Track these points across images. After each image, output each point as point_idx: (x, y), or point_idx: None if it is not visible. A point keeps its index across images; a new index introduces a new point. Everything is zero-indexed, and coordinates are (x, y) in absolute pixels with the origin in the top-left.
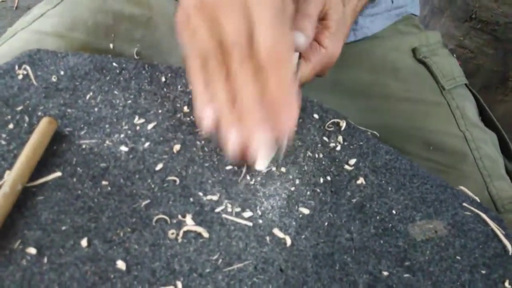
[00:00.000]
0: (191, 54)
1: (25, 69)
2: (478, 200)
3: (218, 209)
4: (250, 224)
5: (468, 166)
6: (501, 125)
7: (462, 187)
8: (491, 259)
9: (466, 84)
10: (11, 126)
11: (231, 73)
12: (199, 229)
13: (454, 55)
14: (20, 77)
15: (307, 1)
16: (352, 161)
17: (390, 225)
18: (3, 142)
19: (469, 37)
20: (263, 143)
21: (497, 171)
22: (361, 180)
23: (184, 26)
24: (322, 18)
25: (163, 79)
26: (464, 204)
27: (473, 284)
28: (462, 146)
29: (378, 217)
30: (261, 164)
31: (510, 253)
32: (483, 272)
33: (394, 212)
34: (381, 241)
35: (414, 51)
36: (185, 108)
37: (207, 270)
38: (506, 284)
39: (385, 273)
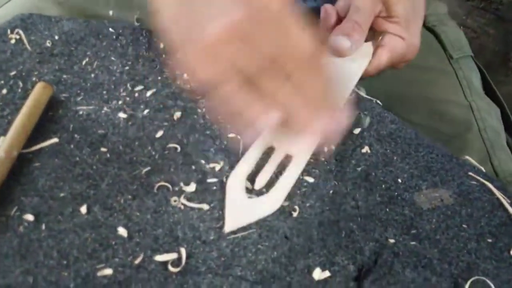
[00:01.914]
0: (226, 79)
1: (17, 33)
2: (484, 170)
3: (220, 178)
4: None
5: (473, 135)
6: None
7: (467, 157)
8: (497, 227)
9: (472, 57)
10: (4, 91)
11: (290, 80)
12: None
13: (461, 29)
14: (13, 41)
15: (354, 8)
16: (357, 130)
17: (396, 193)
18: None
19: (471, 16)
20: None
21: (500, 143)
22: (366, 149)
23: (210, 56)
24: (388, 15)
25: (162, 45)
26: (470, 173)
27: (479, 252)
28: (468, 116)
29: (383, 186)
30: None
31: None
32: (489, 240)
33: (399, 180)
34: (387, 209)
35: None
36: (185, 75)
37: (211, 237)
38: None
39: (392, 241)
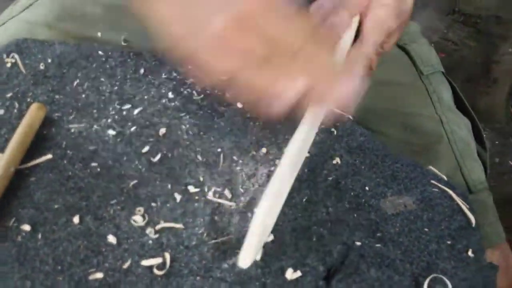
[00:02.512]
0: (243, 65)
1: (13, 57)
2: (446, 179)
3: (202, 189)
4: (233, 203)
5: (443, 147)
6: (484, 117)
7: (430, 167)
8: (456, 231)
9: (443, 72)
10: (1, 112)
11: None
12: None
13: (432, 45)
14: (9, 65)
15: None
16: (329, 142)
17: (363, 200)
18: None
19: (452, 30)
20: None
21: (470, 154)
22: (336, 160)
23: (223, 46)
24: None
25: (148, 66)
26: (432, 181)
27: (439, 254)
28: (438, 129)
29: (352, 193)
30: None
31: (473, 226)
32: (449, 242)
33: (367, 188)
34: (355, 215)
35: None
36: (170, 94)
37: (193, 243)
38: (469, 253)
39: (358, 243)
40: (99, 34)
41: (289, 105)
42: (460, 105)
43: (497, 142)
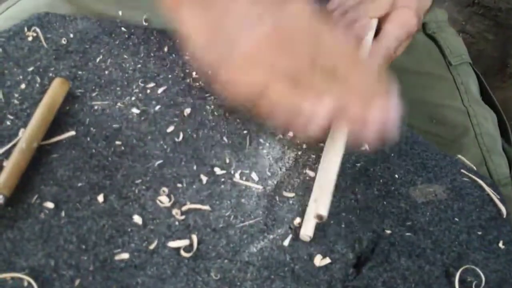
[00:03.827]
0: (272, 83)
1: (34, 31)
2: (475, 169)
3: (229, 171)
4: (260, 186)
5: (469, 140)
6: None
7: (460, 156)
8: (487, 221)
9: (470, 64)
10: (23, 86)
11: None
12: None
13: (460, 35)
14: (30, 39)
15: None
16: None
17: (393, 188)
18: (16, 102)
19: (471, 22)
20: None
21: (495, 148)
22: (365, 147)
23: (252, 64)
24: None
25: (172, 44)
26: (462, 170)
27: (470, 244)
28: (465, 121)
29: (381, 180)
30: None
31: (504, 216)
32: (479, 233)
33: (396, 176)
34: (384, 202)
35: (423, 25)
36: (194, 74)
37: (220, 226)
38: (500, 244)
39: (388, 231)
40: (120, 12)
41: (320, 126)
42: (485, 98)
43: None
